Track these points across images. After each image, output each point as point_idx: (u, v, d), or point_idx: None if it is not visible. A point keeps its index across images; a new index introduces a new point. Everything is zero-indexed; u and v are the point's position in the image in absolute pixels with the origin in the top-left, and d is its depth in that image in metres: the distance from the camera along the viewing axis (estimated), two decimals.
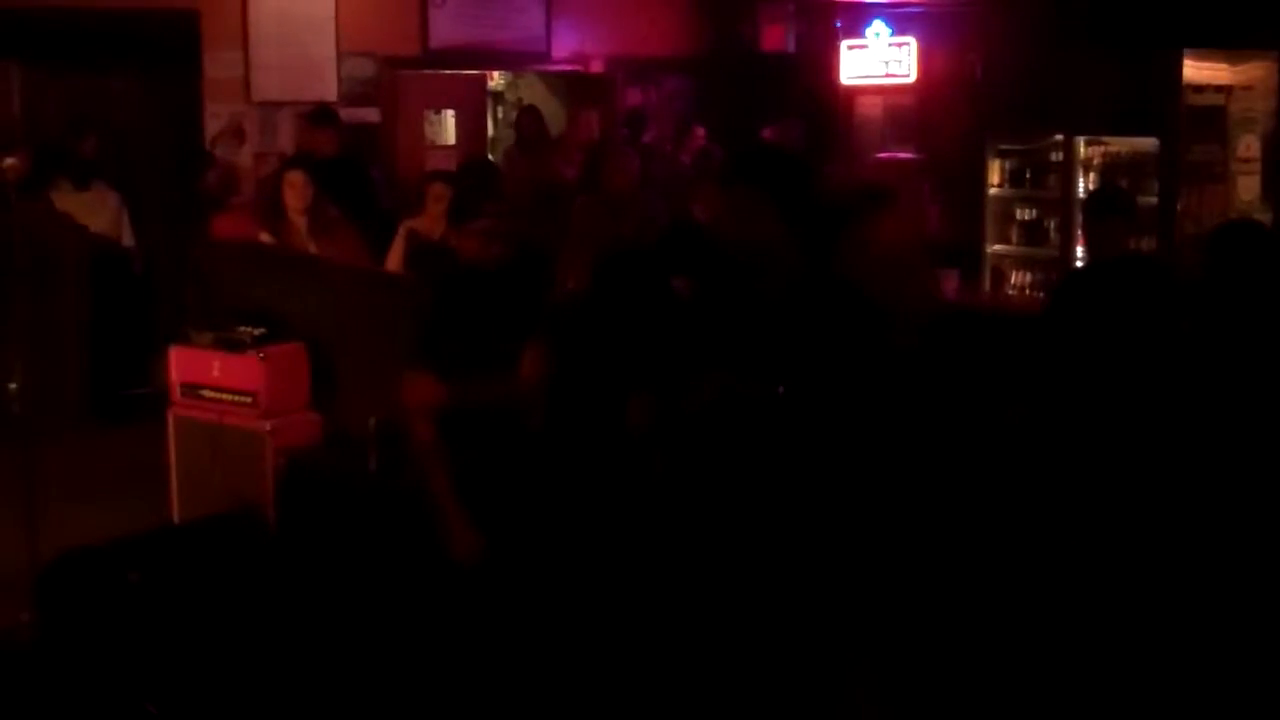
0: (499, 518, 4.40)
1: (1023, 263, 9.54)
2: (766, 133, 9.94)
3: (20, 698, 4.65)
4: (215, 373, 5.93)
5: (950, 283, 7.96)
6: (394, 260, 6.67)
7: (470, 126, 11.07)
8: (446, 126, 11.11)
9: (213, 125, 9.54)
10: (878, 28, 10.78)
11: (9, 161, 5.56)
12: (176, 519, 5.98)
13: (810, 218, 3.79)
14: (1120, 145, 9.07)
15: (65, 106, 9.45)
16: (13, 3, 8.66)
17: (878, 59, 10.83)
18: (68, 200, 8.48)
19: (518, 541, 4.45)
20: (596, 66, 11.30)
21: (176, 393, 6.09)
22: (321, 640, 4.68)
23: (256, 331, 5.94)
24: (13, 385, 5.48)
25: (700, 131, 10.01)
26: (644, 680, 4.15)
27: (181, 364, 6.07)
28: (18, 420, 5.47)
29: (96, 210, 8.66)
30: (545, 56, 11.07)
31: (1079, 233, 8.18)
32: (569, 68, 11.27)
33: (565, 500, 4.75)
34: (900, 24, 10.71)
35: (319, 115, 8.65)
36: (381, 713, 4.30)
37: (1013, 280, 9.55)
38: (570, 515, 4.75)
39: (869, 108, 11.01)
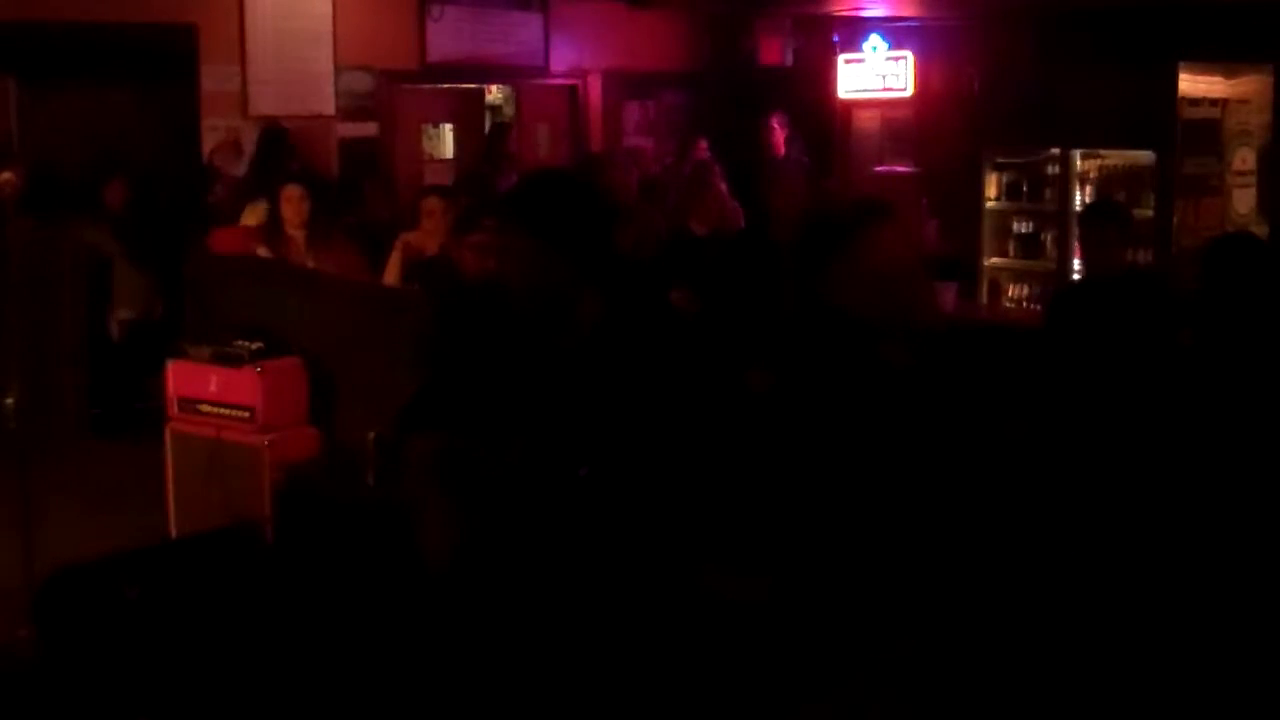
0: (488, 528, 4.40)
1: (1020, 275, 9.56)
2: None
3: (19, 712, 4.64)
4: (213, 387, 5.93)
5: (948, 296, 7.97)
6: (391, 274, 6.67)
7: (468, 140, 11.07)
8: (444, 140, 11.12)
9: (210, 139, 9.54)
10: (875, 42, 10.81)
11: (5, 176, 5.56)
12: (174, 534, 5.97)
13: (604, 257, 3.27)
14: (1116, 158, 9.10)
15: (62, 121, 9.44)
16: (8, 17, 8.66)
17: (875, 73, 10.85)
18: None
19: (502, 557, 4.45)
20: (594, 81, 11.32)
21: (174, 407, 6.09)
22: (318, 655, 4.67)
23: (254, 346, 5.93)
24: (9, 400, 5.46)
25: (703, 144, 10.03)
26: (619, 691, 4.14)
27: (179, 379, 6.07)
28: (15, 435, 5.46)
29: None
30: (543, 71, 11.09)
31: (1076, 245, 8.19)
32: (566, 82, 11.28)
33: (555, 516, 4.74)
34: (897, 38, 10.73)
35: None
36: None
37: (1010, 293, 9.57)
38: (557, 533, 4.75)
39: (866, 122, 11.03)
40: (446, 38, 10.55)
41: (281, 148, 8.80)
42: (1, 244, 5.53)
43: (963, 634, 3.98)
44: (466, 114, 11.17)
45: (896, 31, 10.75)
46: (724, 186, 7.69)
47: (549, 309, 3.22)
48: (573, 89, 11.35)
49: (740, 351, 5.48)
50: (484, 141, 10.98)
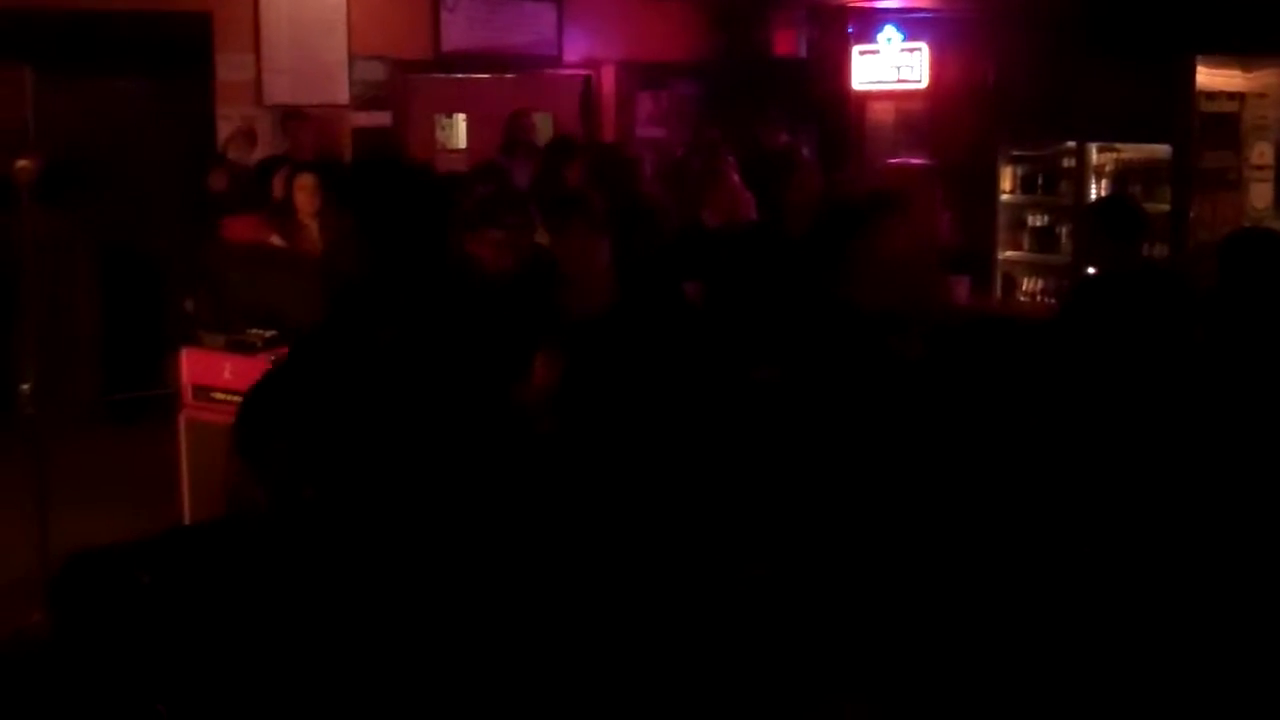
0: (509, 523, 4.39)
1: (1034, 269, 9.55)
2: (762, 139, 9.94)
3: (32, 697, 4.65)
4: (226, 375, 5.94)
5: (961, 289, 7.95)
6: None
7: (483, 130, 11.06)
8: (457, 130, 11.12)
9: (224, 128, 9.55)
10: (889, 33, 10.78)
11: (21, 164, 5.57)
12: (188, 521, 5.98)
13: (422, 248, 3.20)
14: (1133, 152, 9.08)
15: (77, 110, 9.46)
16: (24, 5, 8.68)
17: (889, 65, 10.82)
18: None
19: (526, 546, 4.44)
20: (608, 71, 11.31)
21: (188, 395, 6.10)
22: (333, 642, 4.67)
23: (267, 334, 5.94)
24: (25, 386, 5.48)
25: (714, 135, 10.01)
26: (641, 687, 4.14)
27: (193, 366, 6.09)
28: (30, 421, 5.48)
29: None
30: (556, 61, 11.08)
31: (1084, 240, 8.18)
32: (580, 72, 11.28)
33: (575, 507, 4.74)
34: (912, 29, 10.70)
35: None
36: (391, 714, 4.30)
37: (1024, 287, 9.55)
38: (580, 522, 4.75)
39: (880, 113, 11.01)
40: (460, 27, 10.56)
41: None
42: (17, 232, 5.54)
43: (973, 631, 3.97)
44: (479, 104, 11.16)
45: (911, 23, 10.72)
46: (736, 178, 7.67)
47: (359, 296, 3.14)
48: (586, 79, 11.34)
49: (751, 344, 5.48)
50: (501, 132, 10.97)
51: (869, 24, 10.99)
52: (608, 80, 11.37)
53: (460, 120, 11.14)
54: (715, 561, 3.93)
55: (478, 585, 3.16)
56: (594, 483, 4.49)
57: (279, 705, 3.09)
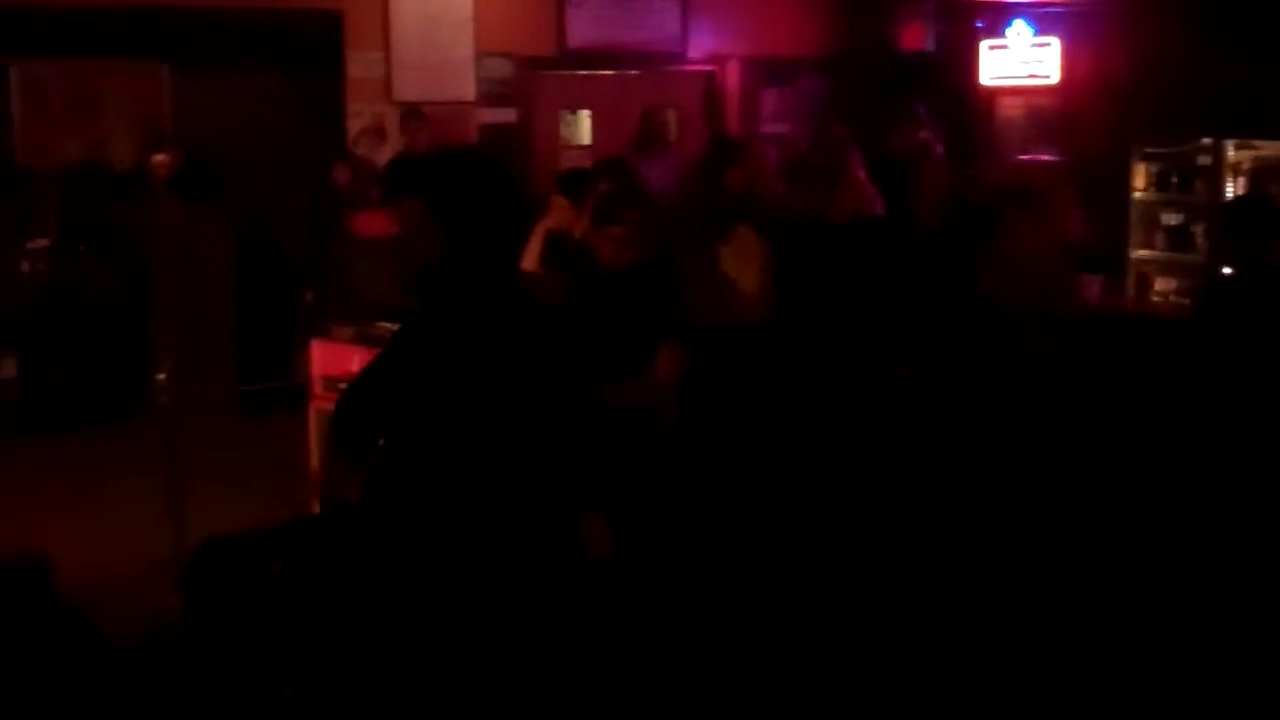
0: (631, 519, 4.40)
1: (1168, 269, 9.34)
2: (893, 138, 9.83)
3: (165, 680, 4.76)
4: (355, 366, 6.01)
5: (1093, 288, 7.80)
6: (530, 259, 6.71)
7: (607, 126, 11.09)
8: (582, 126, 11.17)
9: (354, 125, 9.71)
10: (1019, 28, 10.62)
11: (159, 159, 5.69)
12: (317, 509, 6.08)
13: (497, 243, 3.11)
14: (1271, 149, 8.83)
15: (211, 105, 9.67)
16: (161, 3, 8.89)
17: (1019, 59, 10.66)
18: None
19: (650, 542, 4.45)
20: (732, 67, 11.28)
21: (318, 386, 6.20)
22: (455, 632, 4.72)
23: (395, 327, 6.01)
24: (161, 376, 5.61)
25: (840, 131, 9.93)
26: (770, 680, 4.13)
27: (323, 358, 6.19)
28: (166, 410, 5.60)
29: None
30: (681, 57, 11.08)
31: (1219, 240, 7.98)
32: (704, 68, 11.26)
33: (697, 502, 4.74)
34: (1043, 24, 10.53)
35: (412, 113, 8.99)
36: (513, 704, 4.33)
37: (1157, 287, 9.34)
38: (702, 517, 4.75)
39: (1010, 109, 10.85)
40: (586, 24, 10.60)
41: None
42: (155, 225, 5.67)
43: (1102, 630, 3.90)
44: (604, 100, 11.19)
45: (1042, 16, 10.54)
46: (862, 174, 7.61)
47: (432, 283, 3.11)
48: (710, 75, 11.33)
49: (881, 340, 5.44)
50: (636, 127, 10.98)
51: (998, 18, 10.83)
52: (732, 76, 11.33)
53: (585, 116, 11.18)
54: (840, 555, 3.90)
55: (571, 571, 3.17)
56: (719, 480, 4.49)
57: (402, 691, 3.13)
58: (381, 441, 3.31)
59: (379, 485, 3.20)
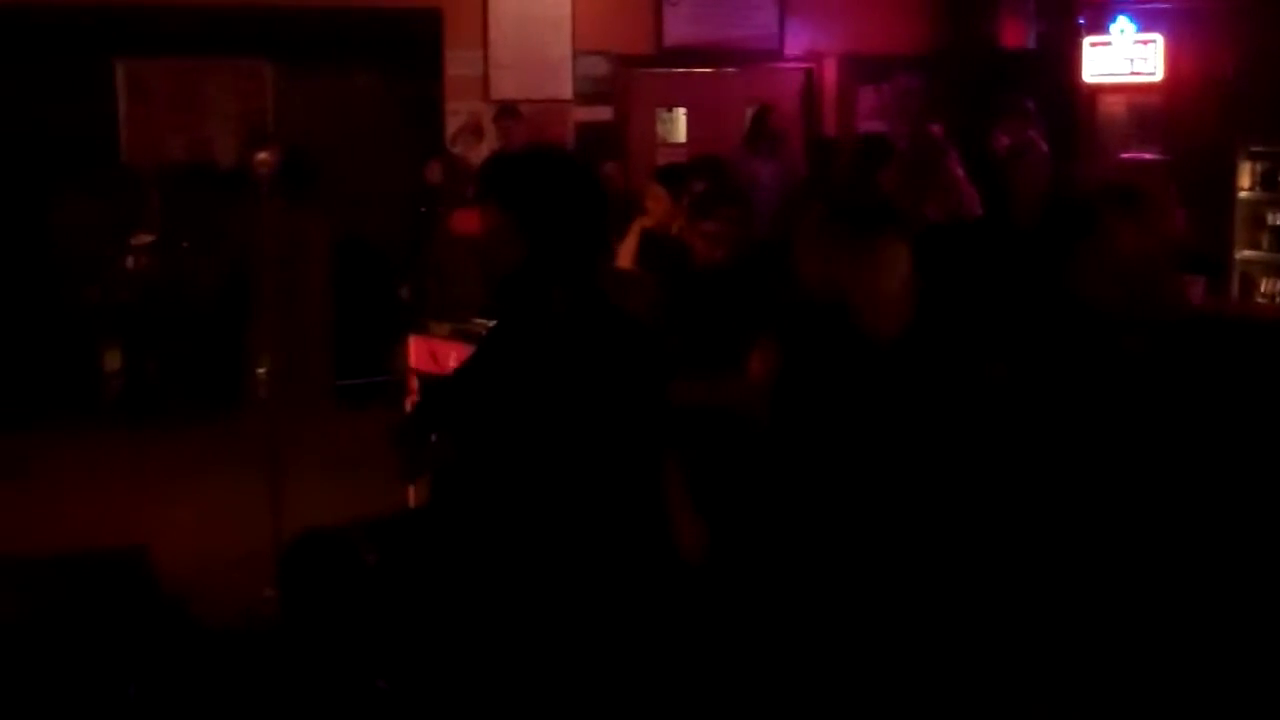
0: (725, 517, 4.39)
1: (1273, 269, 9.15)
2: (1000, 134, 9.72)
3: (261, 669, 4.83)
4: (451, 362, 6.07)
5: (1196, 289, 7.65)
6: (625, 256, 6.72)
7: (703, 124, 11.08)
8: (678, 124, 11.17)
9: (452, 123, 9.78)
10: (1123, 24, 10.45)
11: (261, 156, 5.76)
12: (412, 503, 6.13)
13: (580, 244, 3.05)
14: None
15: (313, 103, 9.80)
16: (264, 2, 9.02)
17: (1122, 56, 10.49)
18: None
19: (742, 542, 4.43)
20: (829, 64, 11.22)
21: (414, 381, 6.26)
22: (547, 631, 4.74)
23: (490, 323, 6.05)
24: (261, 370, 5.68)
25: (937, 129, 9.83)
26: (858, 686, 4.09)
27: (419, 353, 6.25)
28: (266, 404, 5.67)
29: None
30: (778, 54, 11.04)
31: None
32: (801, 65, 11.21)
33: (791, 501, 4.71)
34: (1146, 20, 10.35)
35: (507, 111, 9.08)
36: (603, 703, 4.34)
37: (1263, 288, 9.16)
38: (794, 516, 4.71)
39: (1112, 107, 10.68)
40: (683, 22, 10.60)
41: None
42: (257, 222, 5.75)
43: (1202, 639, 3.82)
44: (700, 98, 11.18)
45: (1146, 13, 10.36)
46: (960, 171, 7.53)
47: (513, 288, 3.07)
48: (808, 72, 11.28)
49: (979, 340, 5.36)
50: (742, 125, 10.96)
51: (1101, 15, 10.67)
52: (829, 73, 11.27)
53: (680, 114, 11.18)
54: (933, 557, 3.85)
55: (651, 570, 3.16)
56: (811, 480, 4.46)
57: (495, 684, 3.15)
58: (437, 439, 3.32)
59: (456, 485, 3.22)
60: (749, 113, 10.67)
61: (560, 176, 3.05)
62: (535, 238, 2.97)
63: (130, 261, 8.80)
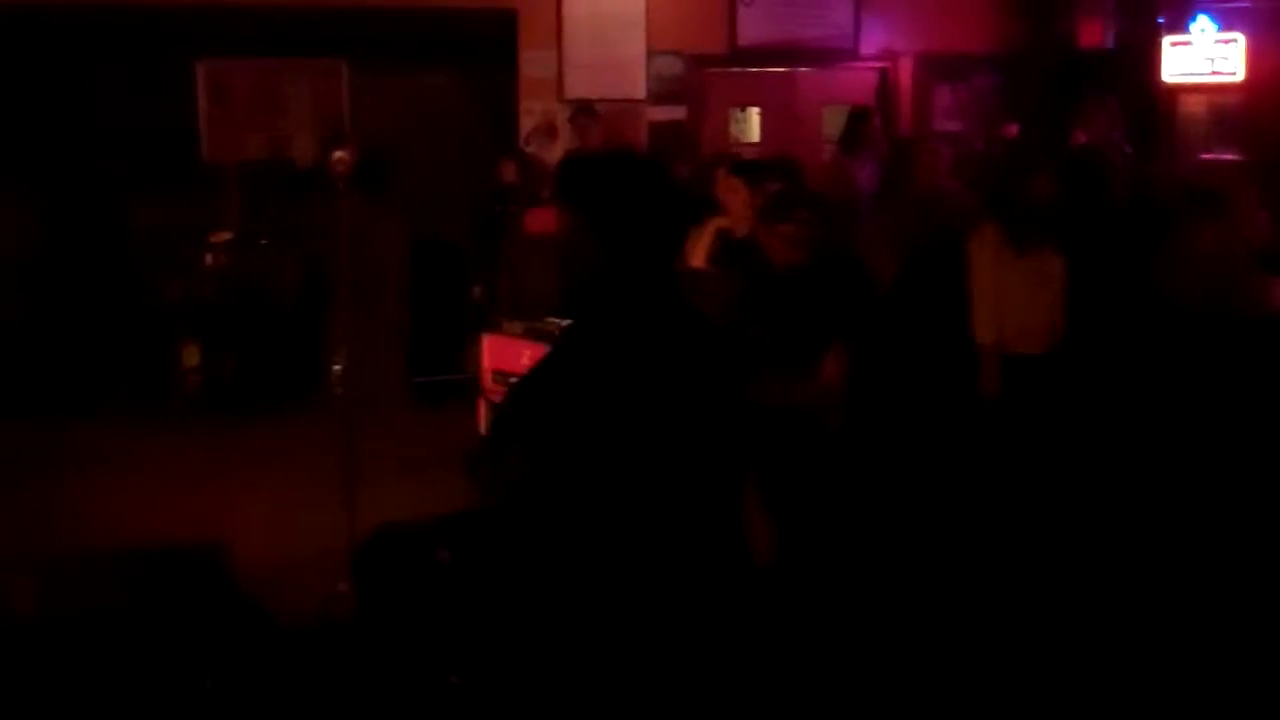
0: (797, 519, 4.38)
1: None
2: (1079, 133, 9.61)
3: (336, 664, 4.87)
4: (525, 361, 6.09)
5: (1278, 292, 7.53)
6: (698, 256, 6.71)
7: (776, 124, 11.06)
8: (751, 124, 11.15)
9: (526, 123, 9.83)
10: (1203, 23, 10.31)
11: (338, 155, 5.80)
12: (479, 500, 6.15)
13: (655, 249, 3.00)
14: None
15: (388, 102, 9.88)
16: (341, 3, 9.10)
17: (1202, 56, 10.35)
18: None
19: (814, 543, 4.42)
20: (905, 63, 11.15)
21: (488, 379, 6.29)
22: (620, 632, 4.75)
23: (564, 322, 6.07)
24: (337, 366, 5.72)
25: (1014, 129, 9.76)
26: (935, 683, 4.07)
27: (493, 352, 6.28)
28: (341, 400, 5.71)
29: None
30: (852, 54, 10.99)
31: None
32: (876, 65, 11.15)
33: (864, 502, 4.70)
34: (1227, 19, 10.21)
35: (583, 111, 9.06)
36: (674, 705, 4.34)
37: None
38: (869, 517, 4.70)
39: (1192, 107, 10.54)
40: (757, 21, 10.58)
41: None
42: (334, 220, 5.79)
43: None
44: (774, 97, 11.15)
45: (1227, 12, 10.21)
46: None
47: (590, 292, 3.01)
48: (883, 72, 11.21)
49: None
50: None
51: (1181, 14, 10.53)
52: (905, 73, 11.20)
53: (754, 114, 11.16)
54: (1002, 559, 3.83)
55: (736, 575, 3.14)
56: (882, 480, 4.45)
57: (568, 682, 3.16)
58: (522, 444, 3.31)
59: (533, 491, 3.22)
60: (825, 113, 10.65)
61: (638, 180, 3.03)
62: (612, 241, 2.96)
63: (209, 259, 8.90)
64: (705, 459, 3.00)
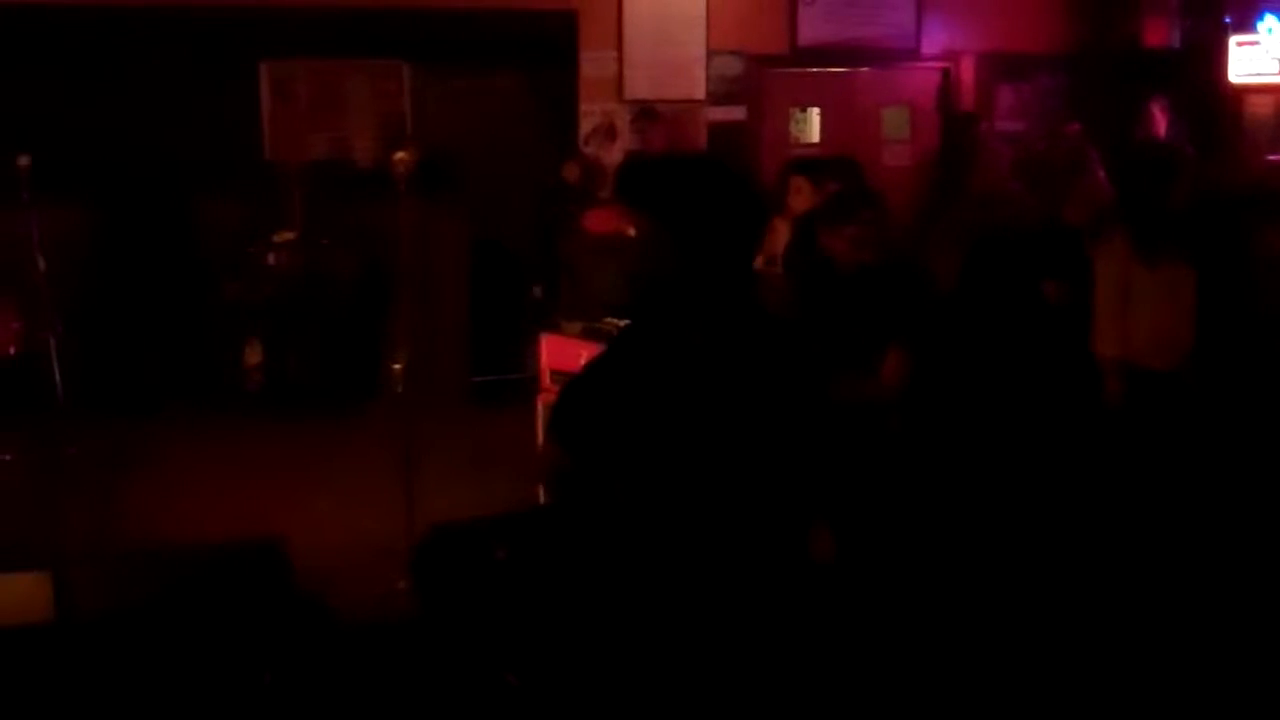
0: (856, 519, 4.36)
1: None
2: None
3: (394, 661, 4.90)
4: (583, 361, 6.09)
5: None
6: (774, 249, 6.67)
7: (837, 124, 11.01)
8: (811, 124, 11.11)
9: (586, 123, 9.84)
10: (1270, 23, 10.18)
11: (399, 156, 5.84)
12: (542, 501, 6.16)
13: (732, 254, 2.95)
14: None
15: (449, 104, 9.92)
16: (401, 5, 9.15)
17: (1270, 56, 10.22)
18: None
19: (874, 544, 4.39)
20: (967, 63, 11.07)
21: (546, 379, 6.31)
22: (679, 631, 4.75)
23: (622, 323, 6.08)
24: (398, 365, 5.75)
25: (1076, 129, 9.65)
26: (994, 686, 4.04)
27: (552, 351, 6.29)
28: (401, 400, 5.74)
29: None
30: (914, 54, 10.92)
31: None
32: (938, 64, 11.09)
33: (924, 503, 4.67)
34: None
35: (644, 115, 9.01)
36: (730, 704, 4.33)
37: None
38: (929, 518, 4.67)
39: (1260, 107, 10.41)
40: (818, 21, 10.54)
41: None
42: (394, 221, 5.82)
43: None
44: (834, 97, 11.11)
45: None
46: (1102, 173, 7.38)
47: (661, 298, 2.99)
48: (945, 72, 11.14)
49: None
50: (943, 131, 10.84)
51: (1248, 13, 10.40)
52: (966, 72, 11.12)
53: (814, 114, 11.12)
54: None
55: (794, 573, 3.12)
56: (944, 482, 4.42)
57: (623, 681, 3.16)
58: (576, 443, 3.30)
59: (597, 492, 3.21)
60: (884, 113, 10.60)
61: (711, 183, 3.00)
62: (688, 245, 2.92)
63: (272, 258, 8.97)
64: (780, 461, 2.98)
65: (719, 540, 2.96)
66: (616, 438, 3.07)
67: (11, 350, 7.59)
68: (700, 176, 3.00)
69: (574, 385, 3.38)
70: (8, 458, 7.29)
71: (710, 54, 10.20)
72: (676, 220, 2.92)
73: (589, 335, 6.14)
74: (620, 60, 9.99)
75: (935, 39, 10.92)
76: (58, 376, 7.04)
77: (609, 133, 9.62)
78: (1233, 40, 10.50)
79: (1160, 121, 9.77)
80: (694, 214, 2.92)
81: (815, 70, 10.81)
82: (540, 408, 6.32)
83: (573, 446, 3.26)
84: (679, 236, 2.91)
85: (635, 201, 2.99)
